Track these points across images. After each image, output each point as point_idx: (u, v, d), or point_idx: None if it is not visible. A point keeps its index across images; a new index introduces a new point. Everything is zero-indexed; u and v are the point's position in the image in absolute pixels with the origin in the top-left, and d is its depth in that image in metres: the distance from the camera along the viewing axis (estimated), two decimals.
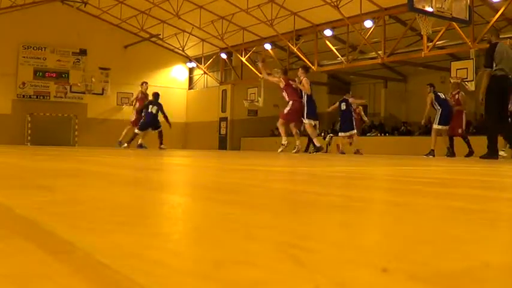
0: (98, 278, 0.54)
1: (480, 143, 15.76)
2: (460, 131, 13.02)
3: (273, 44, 22.17)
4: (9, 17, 22.27)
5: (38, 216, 1.00)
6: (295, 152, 11.97)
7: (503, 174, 3.96)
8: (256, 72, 23.00)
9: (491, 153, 8.06)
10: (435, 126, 12.65)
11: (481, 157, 8.48)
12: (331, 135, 21.28)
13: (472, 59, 15.44)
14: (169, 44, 25.88)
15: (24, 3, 21.74)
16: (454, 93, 13.38)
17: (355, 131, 14.99)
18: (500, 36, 15.32)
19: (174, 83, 27.03)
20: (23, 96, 23.56)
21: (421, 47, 17.09)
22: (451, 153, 12.73)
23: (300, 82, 12.27)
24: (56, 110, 23.93)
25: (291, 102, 12.27)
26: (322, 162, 6.00)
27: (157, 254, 0.67)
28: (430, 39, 16.44)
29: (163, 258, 0.65)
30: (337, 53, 19.71)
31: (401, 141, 18.77)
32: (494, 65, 7.67)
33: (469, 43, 15.43)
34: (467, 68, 15.51)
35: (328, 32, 19.83)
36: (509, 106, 8.97)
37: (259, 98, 22.64)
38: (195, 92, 27.40)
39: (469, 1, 11.84)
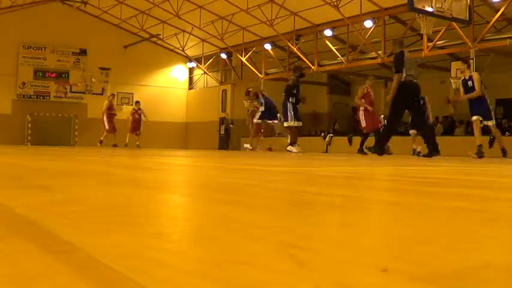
0: (98, 278, 0.54)
1: (470, 144, 15.77)
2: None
3: (273, 44, 22.16)
4: (9, 17, 22.25)
5: (38, 216, 1.00)
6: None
7: (503, 174, 3.96)
8: (257, 73, 23.01)
9: (433, 151, 8.67)
10: None
11: (423, 156, 9.04)
12: (331, 135, 21.29)
13: (472, 59, 15.43)
14: (169, 44, 25.87)
15: (24, 3, 21.74)
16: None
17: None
18: (502, 37, 15.40)
19: (174, 83, 27.03)
20: (23, 96, 23.56)
21: (421, 47, 17.08)
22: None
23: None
24: (56, 110, 23.93)
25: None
26: (322, 162, 6.00)
27: (158, 254, 0.67)
28: (430, 39, 16.44)
29: (163, 258, 0.65)
30: (337, 53, 19.71)
31: (401, 141, 18.76)
32: (404, 72, 8.44)
33: (469, 43, 15.42)
34: None
35: (328, 32, 19.82)
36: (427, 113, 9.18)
37: None
38: (195, 92, 27.40)
39: (469, 1, 11.84)
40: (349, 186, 2.35)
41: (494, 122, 9.88)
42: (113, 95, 19.38)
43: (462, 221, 1.09)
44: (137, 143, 18.86)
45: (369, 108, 11.98)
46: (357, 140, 19.17)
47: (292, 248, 0.72)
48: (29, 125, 23.42)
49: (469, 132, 18.87)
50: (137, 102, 20.02)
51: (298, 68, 13.26)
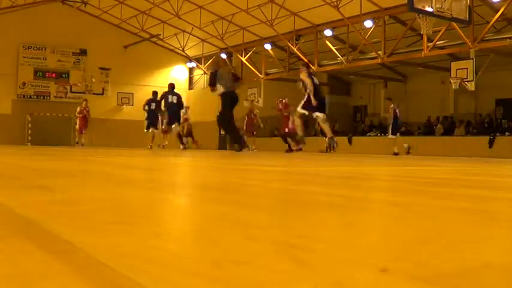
0: (98, 278, 0.54)
1: (476, 143, 15.83)
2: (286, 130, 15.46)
3: (273, 44, 22.16)
4: (9, 17, 22.25)
5: (38, 216, 1.00)
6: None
7: (503, 174, 3.96)
8: (257, 73, 23.03)
9: (238, 142, 10.95)
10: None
11: (231, 148, 11.25)
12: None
13: (472, 59, 15.42)
14: (169, 44, 25.87)
15: (24, 3, 21.74)
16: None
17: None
18: (502, 37, 15.39)
19: (174, 83, 27.01)
20: (23, 96, 23.56)
21: (421, 47, 17.07)
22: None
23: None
24: (56, 110, 23.92)
25: None
26: (322, 162, 6.00)
27: (157, 254, 0.67)
28: (430, 39, 16.43)
29: (163, 258, 0.65)
30: (337, 53, 19.70)
31: (401, 141, 18.76)
32: (219, 86, 10.60)
33: (469, 43, 15.42)
34: (467, 68, 15.50)
35: (328, 32, 19.82)
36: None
37: (259, 98, 22.63)
38: (195, 92, 27.40)
39: (469, 1, 11.84)
40: (349, 186, 2.35)
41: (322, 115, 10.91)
42: (85, 100, 19.92)
43: (462, 221, 1.09)
44: (166, 142, 19.08)
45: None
46: (356, 140, 19.19)
47: (292, 247, 0.72)
48: (29, 125, 23.41)
49: (469, 132, 18.90)
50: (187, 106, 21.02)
51: (172, 84, 15.73)
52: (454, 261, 0.66)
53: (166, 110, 15.14)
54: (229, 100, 10.64)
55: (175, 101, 15.16)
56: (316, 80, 10.86)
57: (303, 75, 10.90)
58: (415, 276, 0.56)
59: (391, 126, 14.80)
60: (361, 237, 0.87)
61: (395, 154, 14.12)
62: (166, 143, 18.21)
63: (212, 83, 10.84)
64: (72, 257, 0.65)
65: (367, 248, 0.75)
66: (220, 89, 10.63)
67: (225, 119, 10.86)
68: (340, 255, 0.68)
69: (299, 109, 10.84)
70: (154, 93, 17.06)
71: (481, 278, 0.57)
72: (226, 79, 10.76)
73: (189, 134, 19.83)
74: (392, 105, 14.77)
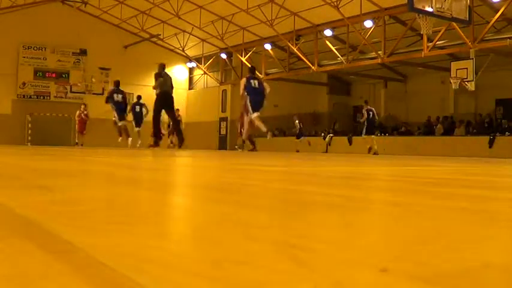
0: (98, 278, 0.54)
1: (476, 143, 15.85)
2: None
3: (273, 44, 22.16)
4: (9, 17, 22.26)
5: (38, 216, 1.00)
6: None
7: (503, 174, 3.96)
8: (257, 73, 23.02)
9: (157, 139, 12.67)
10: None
11: (150, 146, 12.76)
12: (331, 135, 21.29)
13: (472, 59, 15.42)
14: (169, 44, 25.87)
15: (24, 3, 21.75)
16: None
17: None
18: (502, 37, 15.40)
19: (174, 83, 26.66)
20: (23, 96, 23.56)
21: (421, 47, 17.07)
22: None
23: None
24: (56, 110, 23.92)
25: None
26: (322, 162, 6.00)
27: (158, 254, 0.67)
28: (430, 39, 16.44)
29: (163, 258, 0.65)
30: (337, 53, 19.70)
31: (401, 141, 18.78)
32: (158, 86, 12.28)
33: (469, 43, 15.42)
34: (467, 68, 15.49)
35: (328, 32, 19.82)
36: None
37: None
38: (195, 92, 27.40)
39: (469, 1, 11.85)
40: (349, 186, 2.34)
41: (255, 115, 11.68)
42: (84, 104, 20.34)
43: (462, 221, 1.09)
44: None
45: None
46: (356, 139, 19.19)
47: (292, 247, 0.72)
48: (29, 125, 23.41)
49: (469, 132, 18.90)
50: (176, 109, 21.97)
51: (116, 82, 16.22)
52: (454, 261, 0.66)
53: (116, 108, 15.77)
54: (163, 99, 12.22)
55: (121, 100, 15.85)
56: (255, 84, 11.54)
57: (241, 82, 11.65)
58: (415, 276, 0.56)
59: (365, 126, 15.82)
60: (361, 237, 0.87)
61: (370, 151, 15.26)
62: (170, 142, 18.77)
63: (156, 83, 12.49)
64: (72, 257, 0.65)
65: (367, 248, 0.75)
66: (157, 89, 12.21)
67: (156, 116, 12.28)
68: (340, 255, 0.68)
69: (249, 115, 11.71)
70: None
71: (481, 278, 0.57)
72: (166, 81, 12.48)
73: (173, 131, 20.10)
74: (367, 108, 15.76)
